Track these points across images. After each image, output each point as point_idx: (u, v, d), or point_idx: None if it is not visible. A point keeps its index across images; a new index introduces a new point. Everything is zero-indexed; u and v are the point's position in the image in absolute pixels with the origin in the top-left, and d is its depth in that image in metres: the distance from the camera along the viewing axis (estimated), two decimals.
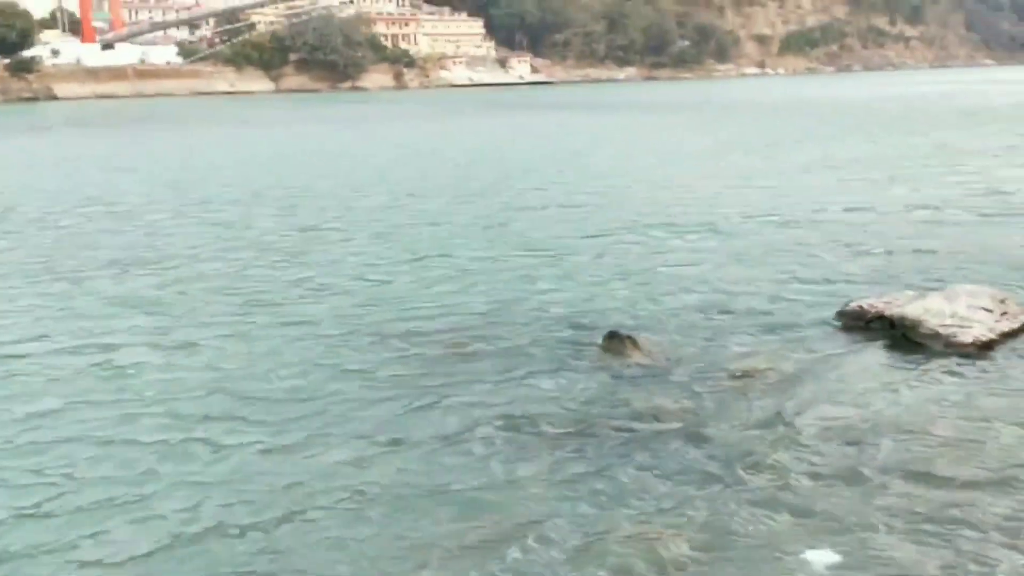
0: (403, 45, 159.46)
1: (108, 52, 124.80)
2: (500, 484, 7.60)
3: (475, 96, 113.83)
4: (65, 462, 8.14)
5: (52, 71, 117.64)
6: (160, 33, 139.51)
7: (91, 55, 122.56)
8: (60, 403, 9.60)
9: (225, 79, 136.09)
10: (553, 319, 12.37)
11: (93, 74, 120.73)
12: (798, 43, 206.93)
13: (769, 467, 7.72)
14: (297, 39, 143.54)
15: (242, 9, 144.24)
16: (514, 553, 6.48)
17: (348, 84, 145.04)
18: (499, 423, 8.85)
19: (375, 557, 6.54)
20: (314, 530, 6.93)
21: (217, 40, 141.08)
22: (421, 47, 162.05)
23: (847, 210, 20.56)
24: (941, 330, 10.73)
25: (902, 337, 10.97)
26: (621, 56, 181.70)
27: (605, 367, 10.41)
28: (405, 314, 12.79)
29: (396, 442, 8.50)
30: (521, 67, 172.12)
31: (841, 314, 11.85)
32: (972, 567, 6.18)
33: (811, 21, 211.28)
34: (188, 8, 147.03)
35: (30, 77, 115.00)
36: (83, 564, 6.53)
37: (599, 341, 11.08)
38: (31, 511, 7.26)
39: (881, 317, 11.33)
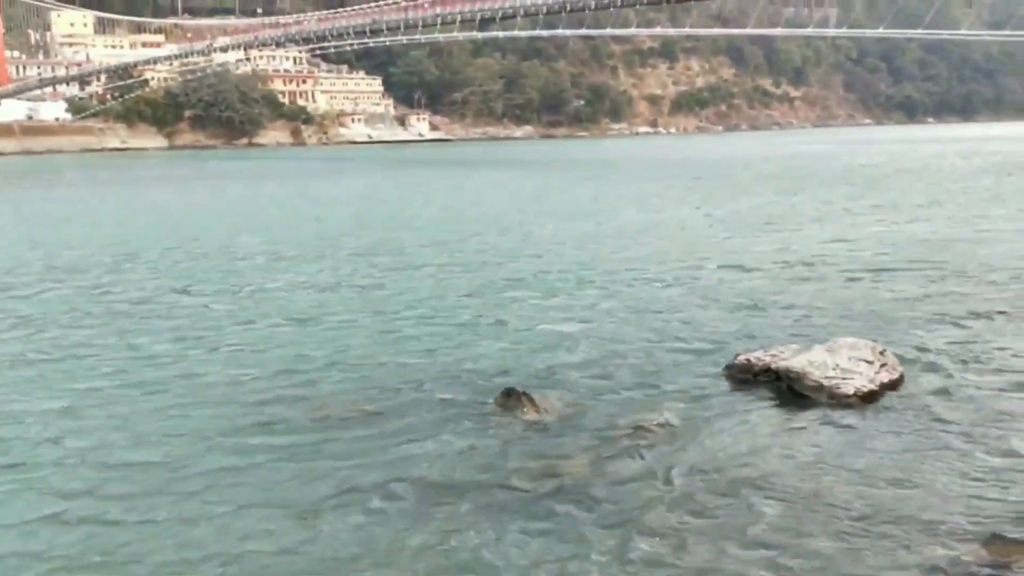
0: (301, 102, 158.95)
1: None
2: (380, 552, 7.43)
3: (372, 153, 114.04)
4: None
5: None
6: (49, 89, 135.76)
7: None
8: None
9: (116, 136, 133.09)
10: (447, 378, 12.27)
11: None
12: (688, 103, 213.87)
13: (658, 526, 7.74)
14: (192, 95, 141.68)
15: (134, 65, 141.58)
16: None
17: (244, 141, 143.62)
18: (387, 487, 8.65)
19: None
20: None
21: (108, 96, 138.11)
22: (319, 104, 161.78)
23: (728, 266, 20.99)
24: (824, 382, 11.06)
25: (788, 389, 11.24)
26: (518, 114, 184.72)
27: (501, 425, 10.37)
28: (287, 379, 12.41)
29: (274, 509, 8.22)
30: (420, 124, 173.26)
31: (729, 367, 12.11)
32: None
33: (700, 82, 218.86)
34: (78, 64, 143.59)
35: None
36: None
37: (494, 399, 11.07)
38: None
39: (768, 370, 11.62)
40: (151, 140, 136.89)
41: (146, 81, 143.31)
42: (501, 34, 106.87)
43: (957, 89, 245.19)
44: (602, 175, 60.36)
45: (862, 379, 11.11)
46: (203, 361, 13.47)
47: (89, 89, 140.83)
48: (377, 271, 21.59)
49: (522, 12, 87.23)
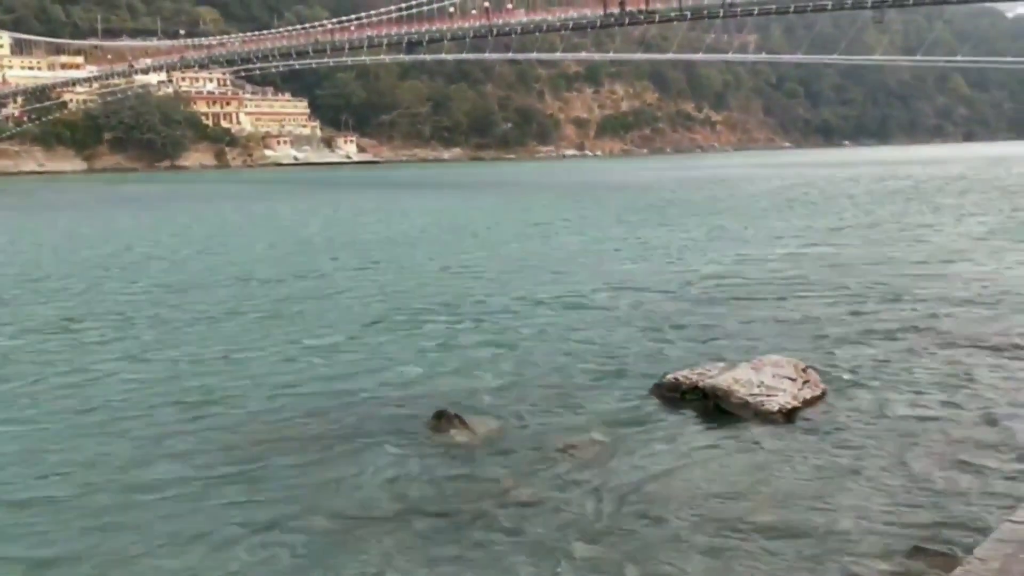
0: (225, 124, 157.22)
1: None
2: None
3: (297, 175, 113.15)
4: None
5: None
6: None
7: None
8: None
9: (33, 158, 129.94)
10: (373, 403, 12.13)
11: None
12: (614, 127, 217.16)
13: (586, 551, 7.73)
14: (112, 117, 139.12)
15: (52, 87, 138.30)
16: None
17: (166, 163, 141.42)
18: (310, 517, 8.48)
19: None
20: None
21: (25, 118, 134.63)
22: (244, 126, 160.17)
23: (651, 288, 21.11)
24: (750, 399, 11.25)
25: (715, 407, 11.41)
26: (447, 137, 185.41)
27: (431, 448, 10.32)
28: (196, 411, 11.97)
29: (183, 544, 7.96)
30: (348, 146, 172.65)
31: (658, 386, 12.24)
32: None
33: (625, 106, 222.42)
34: None
35: None
36: None
37: (425, 422, 11.02)
38: None
39: (695, 388, 11.77)
40: (70, 163, 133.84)
41: (65, 103, 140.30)
42: (428, 57, 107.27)
43: (872, 113, 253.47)
44: (528, 198, 60.73)
45: (786, 396, 11.33)
46: (100, 394, 13.01)
47: (5, 111, 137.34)
48: (291, 297, 21.09)
49: (449, 36, 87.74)
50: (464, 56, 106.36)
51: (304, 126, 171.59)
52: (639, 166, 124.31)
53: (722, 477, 9.32)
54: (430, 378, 13.39)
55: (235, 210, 53.63)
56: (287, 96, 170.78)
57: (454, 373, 13.65)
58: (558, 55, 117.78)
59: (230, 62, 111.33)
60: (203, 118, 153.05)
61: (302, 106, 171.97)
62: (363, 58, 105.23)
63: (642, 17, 77.50)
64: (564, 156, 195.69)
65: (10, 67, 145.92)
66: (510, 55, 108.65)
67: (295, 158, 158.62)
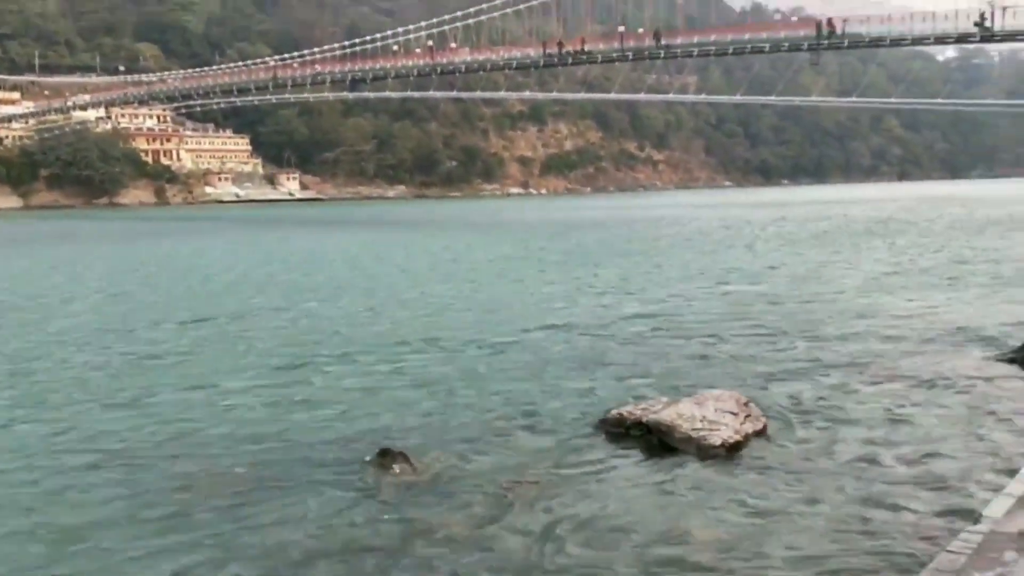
0: (165, 161, 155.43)
1: None
2: None
3: (238, 212, 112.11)
4: None
5: None
6: None
7: None
8: None
9: None
10: (311, 442, 11.91)
11: None
12: (558, 165, 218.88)
13: None
14: (49, 154, 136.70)
15: None
16: None
17: (105, 200, 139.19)
18: (248, 560, 8.37)
19: None
20: None
21: None
22: (184, 163, 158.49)
23: (586, 324, 21.13)
24: (693, 434, 11.33)
25: (659, 442, 11.47)
26: (391, 174, 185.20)
27: (376, 486, 10.19)
28: (129, 453, 11.70)
29: None
30: (290, 184, 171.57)
31: (602, 422, 12.27)
32: None
33: (569, 145, 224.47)
34: None
35: None
36: None
37: (369, 459, 10.89)
38: None
39: (639, 423, 11.83)
40: (5, 200, 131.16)
41: (0, 139, 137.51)
42: (372, 95, 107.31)
43: (810, 153, 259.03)
44: (467, 235, 60.76)
45: (728, 430, 11.43)
46: (52, 431, 12.73)
47: None
48: (213, 337, 20.49)
49: (393, 74, 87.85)
50: (408, 94, 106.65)
51: (246, 163, 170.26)
52: (581, 205, 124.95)
53: (665, 514, 9.35)
54: (367, 417, 13.21)
55: (161, 247, 52.74)
56: (228, 133, 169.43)
57: (392, 413, 13.46)
58: (502, 94, 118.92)
59: (171, 98, 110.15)
60: (143, 155, 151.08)
61: (244, 143, 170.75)
62: (306, 95, 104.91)
63: (584, 58, 78.52)
64: (509, 194, 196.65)
65: None
66: (455, 93, 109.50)
67: (237, 195, 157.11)
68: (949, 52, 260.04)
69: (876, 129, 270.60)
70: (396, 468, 10.61)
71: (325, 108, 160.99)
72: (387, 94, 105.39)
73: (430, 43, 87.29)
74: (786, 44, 70.38)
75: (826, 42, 67.01)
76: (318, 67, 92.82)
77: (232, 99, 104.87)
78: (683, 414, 11.71)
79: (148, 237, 64.21)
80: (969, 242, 43.42)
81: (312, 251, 48.26)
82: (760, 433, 11.75)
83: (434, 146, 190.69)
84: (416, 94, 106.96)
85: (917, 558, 7.92)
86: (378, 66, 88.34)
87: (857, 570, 7.83)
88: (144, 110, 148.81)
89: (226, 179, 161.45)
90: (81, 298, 28.79)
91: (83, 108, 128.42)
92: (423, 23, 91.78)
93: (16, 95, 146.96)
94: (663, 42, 73.32)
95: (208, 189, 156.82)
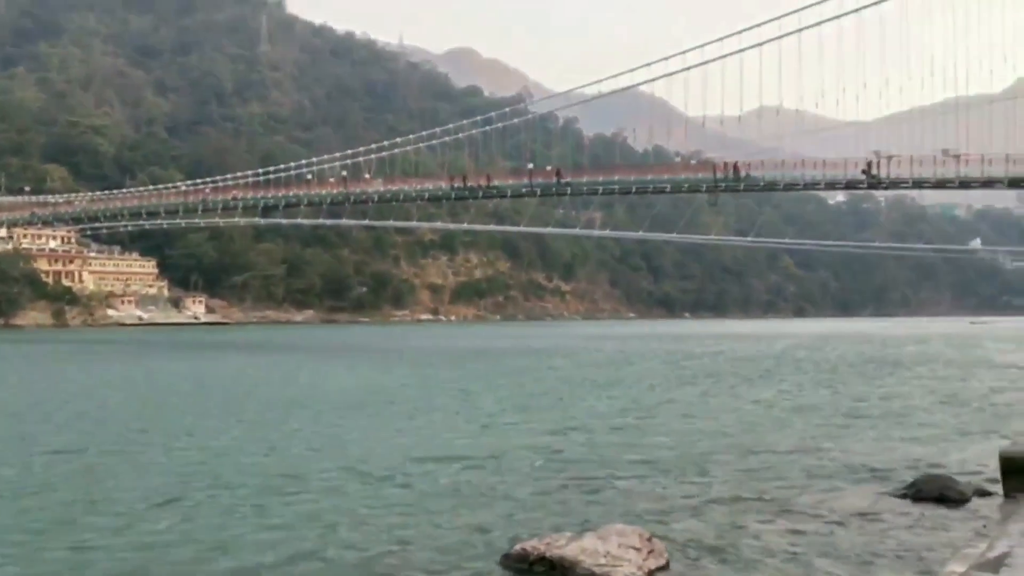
0: (67, 282, 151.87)
1: None
2: None
3: (137, 336, 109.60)
4: None
5: None
6: None
7: None
8: None
9: None
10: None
11: None
12: (468, 293, 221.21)
13: None
14: None
15: None
16: None
17: (0, 321, 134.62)
18: None
19: None
20: None
21: None
22: (87, 285, 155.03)
23: (478, 456, 21.07)
24: (596, 570, 11.54)
25: None
26: (300, 299, 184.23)
27: None
28: None
29: None
30: (196, 307, 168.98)
31: (507, 557, 12.37)
32: None
33: (479, 274, 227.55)
34: None
35: None
36: None
37: None
38: None
39: (543, 559, 12.01)
40: None
41: None
42: (284, 221, 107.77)
43: (710, 288, 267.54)
44: (365, 363, 60.25)
45: (631, 566, 11.69)
46: None
47: None
48: (58, 479, 19.11)
49: (306, 201, 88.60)
50: (321, 221, 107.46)
51: (151, 286, 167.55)
52: (487, 333, 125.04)
53: None
54: (269, 551, 13.06)
55: (31, 375, 50.67)
56: (135, 255, 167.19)
57: (267, 553, 13.15)
58: (414, 223, 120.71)
59: (76, 220, 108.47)
60: (43, 276, 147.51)
61: (150, 265, 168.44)
62: (216, 220, 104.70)
63: (494, 192, 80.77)
64: (419, 320, 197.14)
65: None
66: (367, 222, 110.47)
67: (140, 318, 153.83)
68: (839, 196, 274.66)
69: (773, 267, 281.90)
70: None
71: (236, 233, 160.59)
72: (299, 221, 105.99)
73: (344, 173, 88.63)
74: (686, 185, 73.73)
75: (723, 184, 70.38)
76: (231, 193, 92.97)
77: (140, 222, 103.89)
78: (587, 549, 11.94)
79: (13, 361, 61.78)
80: (861, 380, 44.93)
81: (186, 378, 46.65)
82: (663, 568, 12.04)
83: (345, 272, 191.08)
84: (328, 221, 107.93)
85: None
86: (291, 193, 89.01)
87: None
88: (48, 231, 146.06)
89: (129, 302, 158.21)
90: None
91: None
92: (338, 153, 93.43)
93: None
94: (564, 179, 76.05)
95: (110, 311, 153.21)
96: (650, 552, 12.22)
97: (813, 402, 34.21)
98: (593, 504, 16.20)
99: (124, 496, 16.99)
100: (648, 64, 76.73)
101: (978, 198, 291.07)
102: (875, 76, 69.19)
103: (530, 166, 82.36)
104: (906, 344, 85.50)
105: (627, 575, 11.50)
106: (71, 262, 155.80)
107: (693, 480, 18.49)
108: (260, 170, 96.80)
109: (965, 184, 64.99)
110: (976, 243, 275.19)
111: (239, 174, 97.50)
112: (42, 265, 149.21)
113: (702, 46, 73.73)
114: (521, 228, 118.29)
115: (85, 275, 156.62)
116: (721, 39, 72.23)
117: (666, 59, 75.62)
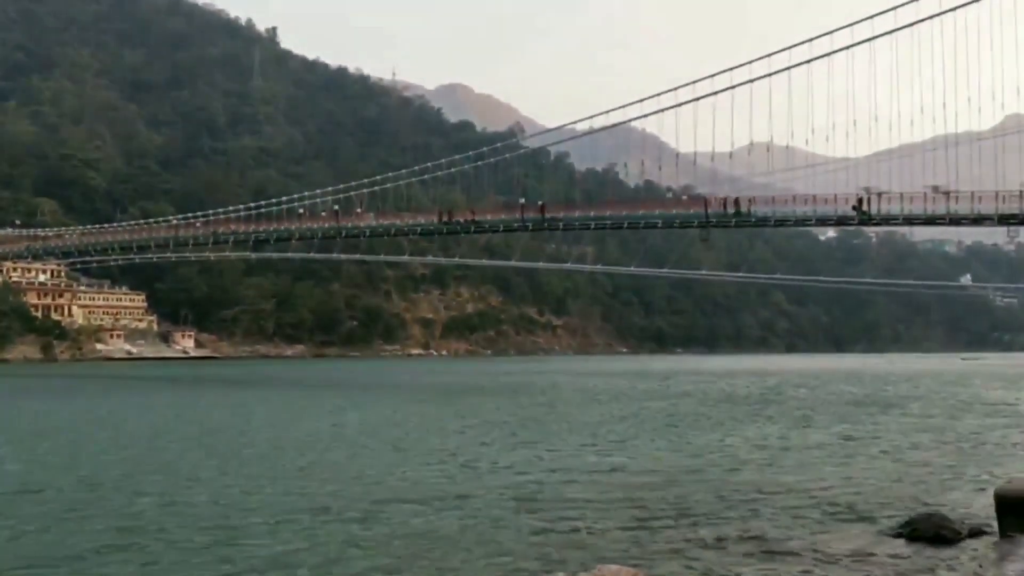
0: (56, 316, 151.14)
1: None
2: None
3: (125, 371, 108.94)
4: None
5: None
6: None
7: None
8: None
9: None
10: None
11: None
12: (459, 327, 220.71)
13: None
14: None
15: None
16: None
17: None
18: None
19: None
20: None
21: None
22: (76, 319, 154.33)
23: (464, 495, 20.94)
24: None
25: None
26: (290, 333, 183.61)
27: None
28: None
29: None
30: (185, 341, 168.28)
31: None
32: None
33: (470, 308, 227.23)
34: None
35: None
36: None
37: None
38: None
39: None
40: None
41: None
42: (275, 255, 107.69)
43: (702, 323, 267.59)
44: (352, 399, 59.60)
45: None
46: None
47: None
48: (42, 514, 19.18)
49: (297, 235, 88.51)
50: (312, 255, 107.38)
51: (140, 320, 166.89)
52: (477, 369, 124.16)
53: None
54: None
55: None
56: (124, 289, 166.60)
57: None
58: (406, 258, 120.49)
59: (66, 254, 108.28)
60: (32, 309, 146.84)
61: (139, 300, 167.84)
62: (207, 254, 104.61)
63: (486, 226, 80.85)
64: (410, 355, 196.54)
65: None
66: (358, 256, 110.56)
67: (128, 352, 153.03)
68: (830, 232, 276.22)
69: (764, 302, 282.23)
70: None
71: (226, 267, 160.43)
72: (290, 255, 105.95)
73: (336, 208, 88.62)
74: (677, 220, 73.87)
75: (715, 219, 70.46)
76: (221, 227, 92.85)
77: (130, 256, 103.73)
78: None
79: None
80: (855, 419, 44.64)
81: (164, 413, 46.29)
82: None
83: (336, 306, 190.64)
84: (320, 255, 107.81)
85: None
86: (283, 227, 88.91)
87: None
88: (38, 265, 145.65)
89: (118, 336, 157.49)
90: None
91: None
92: (330, 188, 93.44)
93: None
94: (548, 215, 75.97)
95: (99, 346, 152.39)
96: None
97: (805, 440, 33.92)
98: (578, 547, 15.93)
99: (79, 540, 16.66)
100: (640, 100, 77.06)
101: (968, 234, 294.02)
102: (864, 113, 69.65)
103: (522, 201, 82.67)
104: (902, 382, 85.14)
105: None
106: (60, 296, 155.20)
107: (686, 519, 18.27)
108: (252, 204, 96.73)
109: (955, 221, 65.19)
110: (967, 279, 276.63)
111: (230, 208, 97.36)
112: (31, 299, 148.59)
113: (694, 83, 73.95)
114: (513, 263, 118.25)
115: (75, 309, 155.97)
116: (712, 76, 72.55)
117: (658, 95, 75.96)
